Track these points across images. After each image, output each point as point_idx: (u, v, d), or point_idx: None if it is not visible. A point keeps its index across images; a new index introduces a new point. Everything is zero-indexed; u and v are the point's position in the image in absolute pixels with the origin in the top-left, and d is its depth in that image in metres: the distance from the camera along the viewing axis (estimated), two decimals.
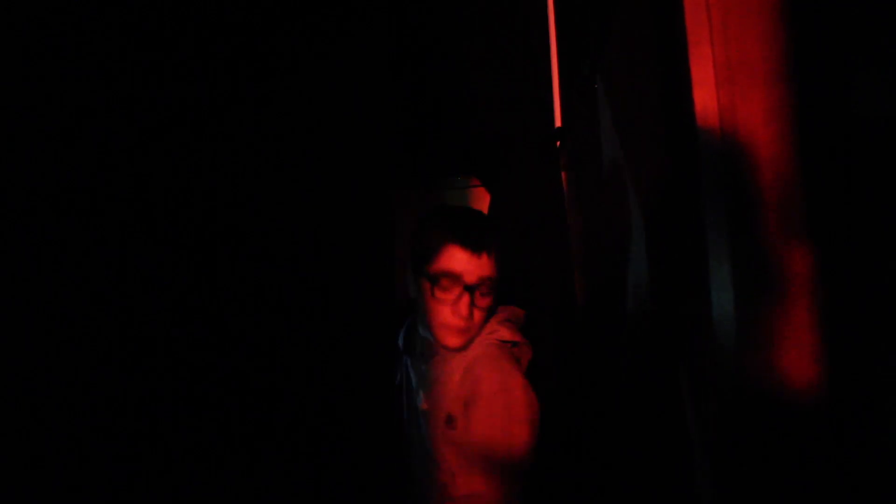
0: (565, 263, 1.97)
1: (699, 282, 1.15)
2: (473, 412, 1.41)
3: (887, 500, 0.98)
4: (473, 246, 1.39)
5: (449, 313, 1.40)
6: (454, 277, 1.40)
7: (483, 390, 1.41)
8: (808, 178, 1.07)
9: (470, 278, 1.41)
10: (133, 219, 1.25)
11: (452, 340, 1.41)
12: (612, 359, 1.79)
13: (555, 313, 1.86)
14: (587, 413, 1.82)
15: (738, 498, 1.07)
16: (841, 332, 1.04)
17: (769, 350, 1.05)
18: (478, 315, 1.42)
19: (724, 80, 1.11)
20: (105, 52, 1.14)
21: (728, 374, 1.10)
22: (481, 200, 2.37)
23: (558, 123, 2.50)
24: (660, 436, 1.45)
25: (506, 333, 1.50)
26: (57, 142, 1.10)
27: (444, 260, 1.41)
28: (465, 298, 1.39)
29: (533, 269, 1.91)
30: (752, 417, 1.05)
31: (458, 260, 1.40)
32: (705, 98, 1.12)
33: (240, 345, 0.99)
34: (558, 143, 2.35)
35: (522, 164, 2.03)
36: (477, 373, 1.43)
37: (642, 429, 1.54)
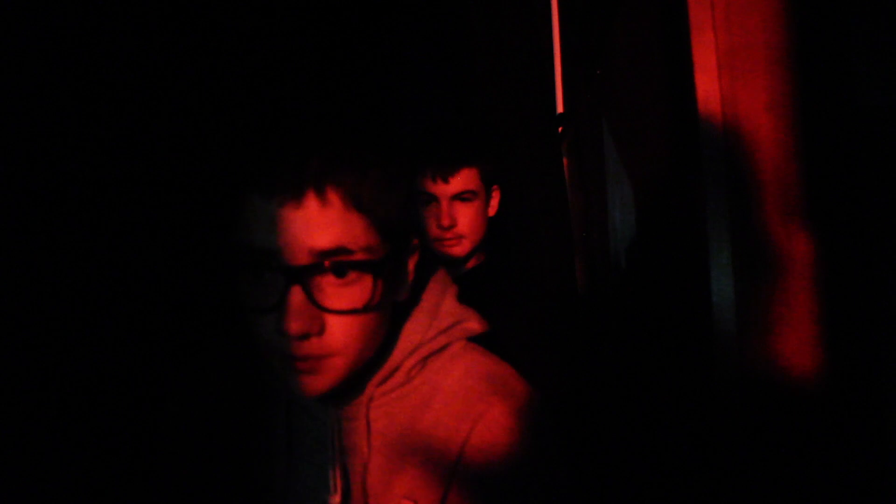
0: (567, 249, 1.97)
1: (699, 267, 1.15)
2: None
3: (886, 487, 0.99)
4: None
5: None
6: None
7: None
8: (809, 165, 1.07)
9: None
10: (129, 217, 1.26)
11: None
12: (613, 343, 1.80)
13: (556, 298, 1.86)
14: (588, 399, 1.83)
15: (736, 483, 1.07)
16: (841, 318, 1.05)
17: (769, 335, 1.06)
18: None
19: (727, 66, 1.11)
20: (105, 52, 1.14)
21: (727, 358, 1.10)
22: None
23: (560, 110, 2.50)
24: (660, 422, 1.46)
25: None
26: (48, 142, 1.10)
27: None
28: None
29: (534, 254, 1.92)
30: (751, 403, 1.06)
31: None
32: (707, 84, 1.12)
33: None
34: (560, 129, 2.35)
35: (524, 150, 2.03)
36: None
37: (642, 415, 1.55)
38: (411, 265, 0.78)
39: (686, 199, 1.28)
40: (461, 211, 1.42)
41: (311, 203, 0.65)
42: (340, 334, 0.68)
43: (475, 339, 0.82)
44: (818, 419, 1.04)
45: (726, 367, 1.12)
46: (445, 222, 1.40)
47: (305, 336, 0.66)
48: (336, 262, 0.66)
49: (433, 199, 1.41)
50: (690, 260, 1.23)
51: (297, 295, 0.65)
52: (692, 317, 1.25)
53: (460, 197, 1.42)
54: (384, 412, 0.77)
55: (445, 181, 1.40)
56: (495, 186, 1.48)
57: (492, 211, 1.47)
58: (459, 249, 1.42)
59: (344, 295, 0.67)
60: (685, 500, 1.32)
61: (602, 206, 2.11)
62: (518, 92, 2.09)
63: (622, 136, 1.83)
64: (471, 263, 1.47)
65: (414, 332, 0.79)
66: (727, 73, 1.11)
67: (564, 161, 2.27)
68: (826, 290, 1.05)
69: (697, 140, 1.15)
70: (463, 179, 1.42)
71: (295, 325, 0.64)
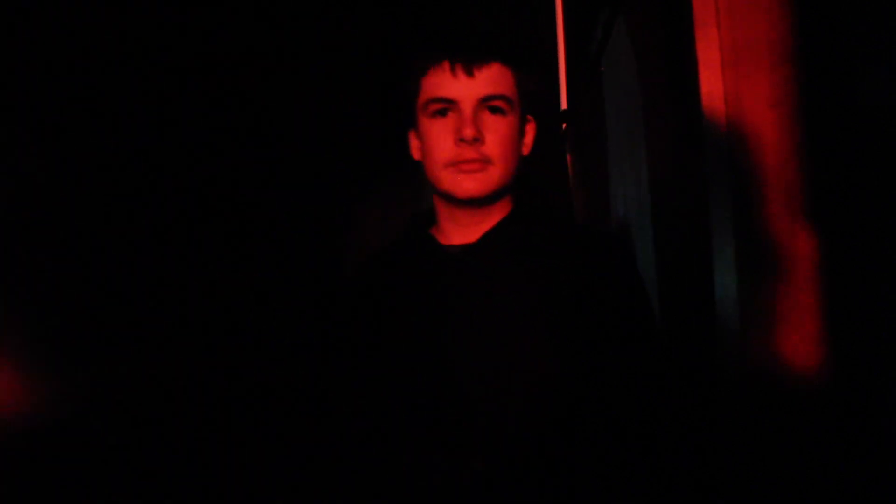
0: None
1: (703, 263, 1.15)
2: None
3: (887, 482, 0.99)
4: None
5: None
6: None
7: None
8: (813, 162, 1.07)
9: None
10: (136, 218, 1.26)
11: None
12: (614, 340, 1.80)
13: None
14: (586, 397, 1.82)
15: (738, 479, 1.08)
16: (843, 315, 1.05)
17: (772, 332, 1.06)
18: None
19: (730, 63, 1.11)
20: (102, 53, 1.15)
21: (730, 355, 1.10)
22: None
23: (564, 106, 2.49)
24: (662, 418, 1.46)
25: None
26: (45, 144, 1.11)
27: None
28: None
29: None
30: (754, 399, 1.06)
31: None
32: (711, 80, 1.12)
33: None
34: (564, 126, 2.35)
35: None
36: None
37: (643, 412, 1.54)
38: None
39: (689, 196, 1.28)
40: (490, 124, 1.03)
41: None
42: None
43: None
44: (820, 416, 1.04)
45: (729, 363, 1.12)
46: (468, 132, 1.00)
47: None
48: None
49: (451, 104, 1.03)
50: (694, 256, 1.23)
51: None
52: (695, 313, 1.25)
53: (490, 103, 1.03)
54: None
55: (470, 73, 1.02)
56: (530, 118, 1.11)
57: (525, 149, 1.10)
58: (483, 179, 1.03)
59: None
60: (687, 498, 1.32)
61: (605, 203, 2.11)
62: None
63: (625, 132, 1.82)
64: (496, 213, 1.08)
65: None
66: (731, 70, 1.11)
67: (568, 158, 2.27)
68: (829, 287, 1.05)
69: (701, 137, 1.15)
70: (494, 77, 1.04)
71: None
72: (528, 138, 1.11)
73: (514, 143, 1.06)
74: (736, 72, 1.10)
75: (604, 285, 1.01)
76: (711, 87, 1.12)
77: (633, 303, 1.02)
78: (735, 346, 1.09)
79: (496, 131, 1.03)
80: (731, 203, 1.09)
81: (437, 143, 1.03)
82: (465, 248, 1.07)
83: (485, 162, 1.02)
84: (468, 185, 1.02)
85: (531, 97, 1.10)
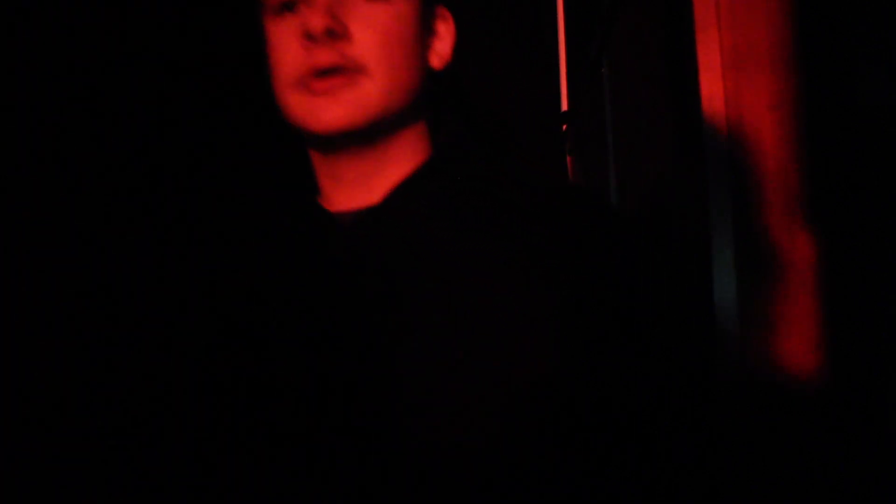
0: None
1: (702, 265, 1.15)
2: None
3: (887, 485, 0.99)
4: None
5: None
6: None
7: None
8: (813, 164, 1.07)
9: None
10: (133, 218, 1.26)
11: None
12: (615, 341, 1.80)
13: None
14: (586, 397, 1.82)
15: (737, 483, 1.08)
16: (843, 318, 1.05)
17: (771, 335, 1.06)
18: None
19: (731, 66, 1.11)
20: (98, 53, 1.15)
21: (729, 358, 1.10)
22: None
23: (565, 107, 2.49)
24: (660, 421, 1.46)
25: None
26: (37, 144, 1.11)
27: None
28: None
29: None
30: (754, 402, 1.06)
31: None
32: (711, 83, 1.12)
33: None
34: (564, 127, 2.35)
35: (528, 147, 2.04)
36: None
37: (642, 414, 1.54)
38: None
39: (689, 198, 1.28)
40: (361, 12, 0.64)
41: None
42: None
43: None
44: (820, 419, 1.04)
45: (728, 366, 1.12)
46: (316, 22, 0.61)
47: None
48: None
49: None
50: (693, 259, 1.23)
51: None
52: (694, 316, 1.25)
53: None
54: None
55: None
56: (445, 12, 0.73)
57: (437, 59, 0.72)
58: (351, 100, 0.63)
59: None
60: (686, 500, 1.33)
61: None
62: (522, 89, 2.09)
63: (626, 134, 1.83)
64: (398, 160, 0.70)
65: None
66: (731, 72, 1.11)
67: (568, 159, 2.27)
68: (829, 290, 1.05)
69: (700, 139, 1.15)
70: None
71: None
72: (444, 45, 0.72)
73: (407, 42, 0.66)
74: (736, 74, 1.10)
75: (605, 283, 0.72)
76: (711, 89, 1.12)
77: (645, 305, 0.78)
78: (734, 348, 1.09)
79: (371, 22, 0.63)
80: (730, 205, 1.09)
81: (280, 49, 0.65)
82: (360, 217, 0.69)
83: (352, 71, 0.63)
84: (328, 110, 0.63)
85: None
